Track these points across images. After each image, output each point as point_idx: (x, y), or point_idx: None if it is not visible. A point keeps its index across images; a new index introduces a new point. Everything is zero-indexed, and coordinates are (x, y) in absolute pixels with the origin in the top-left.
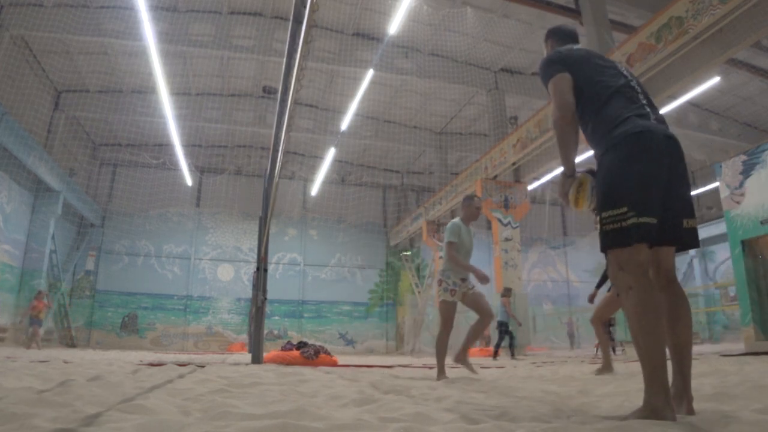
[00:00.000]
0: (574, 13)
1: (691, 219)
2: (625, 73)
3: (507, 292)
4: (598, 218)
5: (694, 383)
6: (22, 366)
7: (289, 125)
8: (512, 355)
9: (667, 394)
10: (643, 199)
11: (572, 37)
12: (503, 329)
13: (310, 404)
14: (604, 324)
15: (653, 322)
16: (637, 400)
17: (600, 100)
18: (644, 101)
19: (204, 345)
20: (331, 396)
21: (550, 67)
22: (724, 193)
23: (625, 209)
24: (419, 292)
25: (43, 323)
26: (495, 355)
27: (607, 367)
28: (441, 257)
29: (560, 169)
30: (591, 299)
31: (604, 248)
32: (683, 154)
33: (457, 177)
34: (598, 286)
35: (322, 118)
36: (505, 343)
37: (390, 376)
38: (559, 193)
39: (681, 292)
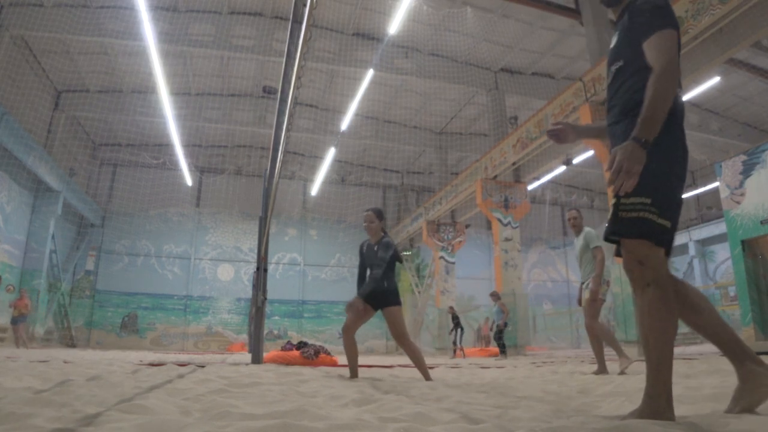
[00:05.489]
0: (574, 13)
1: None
2: None
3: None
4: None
5: (694, 383)
6: (22, 366)
7: (289, 125)
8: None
9: (669, 396)
10: (673, 203)
11: None
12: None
13: (310, 404)
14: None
15: (669, 322)
16: (638, 400)
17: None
18: None
19: (204, 345)
20: (331, 396)
21: (669, 15)
22: (724, 193)
23: (648, 201)
24: (419, 292)
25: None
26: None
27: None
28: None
29: (561, 169)
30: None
31: (626, 235)
32: None
33: (457, 177)
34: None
35: (322, 118)
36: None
37: (390, 376)
38: (629, 165)
39: (686, 283)
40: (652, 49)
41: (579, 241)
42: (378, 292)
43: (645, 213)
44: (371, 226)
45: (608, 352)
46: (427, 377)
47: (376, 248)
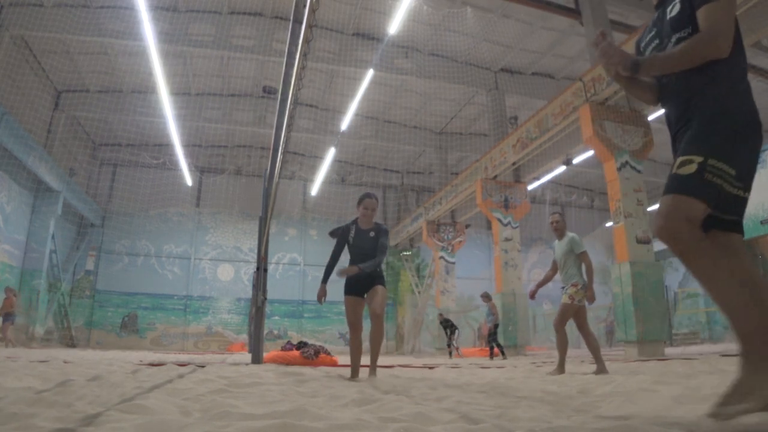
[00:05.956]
0: (574, 13)
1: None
2: None
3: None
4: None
5: (694, 383)
6: (22, 366)
7: (289, 125)
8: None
9: None
10: (750, 177)
11: None
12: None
13: (310, 404)
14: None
15: (737, 266)
16: (638, 400)
17: (743, 68)
18: None
19: (204, 345)
20: (331, 396)
21: None
22: None
23: (734, 172)
24: (419, 292)
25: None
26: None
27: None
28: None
29: (561, 169)
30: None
31: (689, 192)
32: None
33: (457, 177)
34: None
35: (322, 118)
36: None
37: (390, 376)
38: (613, 53)
39: None
40: (714, 15)
41: (562, 246)
42: (370, 278)
43: (725, 182)
44: (374, 213)
45: (606, 352)
46: (374, 365)
47: (372, 234)
